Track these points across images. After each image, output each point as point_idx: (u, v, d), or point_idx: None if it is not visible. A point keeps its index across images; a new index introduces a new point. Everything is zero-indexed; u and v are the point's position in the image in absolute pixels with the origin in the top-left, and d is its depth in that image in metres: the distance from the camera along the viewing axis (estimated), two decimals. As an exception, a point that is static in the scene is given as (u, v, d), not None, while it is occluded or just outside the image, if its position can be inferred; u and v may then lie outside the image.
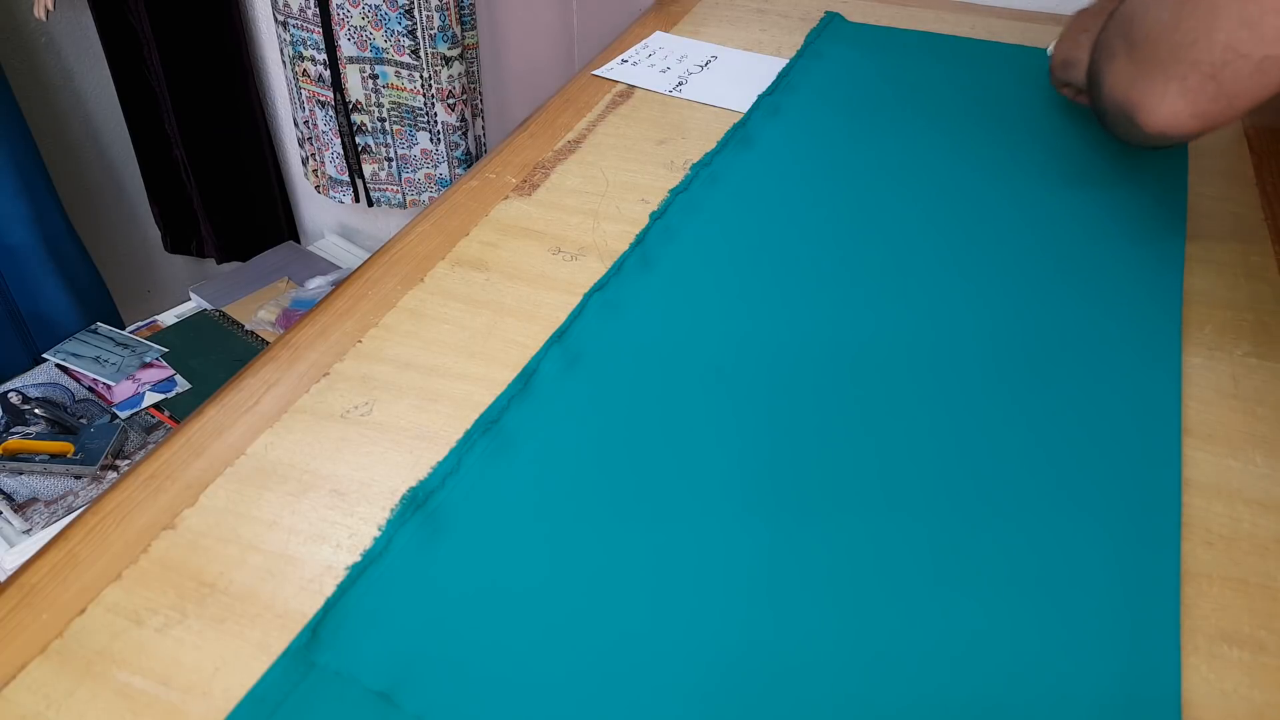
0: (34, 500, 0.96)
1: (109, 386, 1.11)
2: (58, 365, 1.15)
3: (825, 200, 0.64)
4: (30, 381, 1.12)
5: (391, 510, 0.41)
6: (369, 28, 1.10)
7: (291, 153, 1.50)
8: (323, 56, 1.14)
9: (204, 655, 0.35)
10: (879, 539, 0.41)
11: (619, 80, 0.82)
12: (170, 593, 0.38)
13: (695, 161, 0.69)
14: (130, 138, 1.40)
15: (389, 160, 1.22)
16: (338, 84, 1.15)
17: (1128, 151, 0.71)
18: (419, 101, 1.15)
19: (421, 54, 1.11)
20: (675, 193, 0.64)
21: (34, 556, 0.39)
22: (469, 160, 1.22)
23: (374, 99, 1.16)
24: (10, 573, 0.39)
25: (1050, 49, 0.79)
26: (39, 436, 1.02)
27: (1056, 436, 0.46)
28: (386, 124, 1.19)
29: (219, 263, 1.51)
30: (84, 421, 1.06)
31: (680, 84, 0.81)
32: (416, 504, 0.41)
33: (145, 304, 1.55)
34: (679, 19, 0.95)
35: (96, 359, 1.15)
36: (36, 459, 0.99)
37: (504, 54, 1.22)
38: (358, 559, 0.39)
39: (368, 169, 1.23)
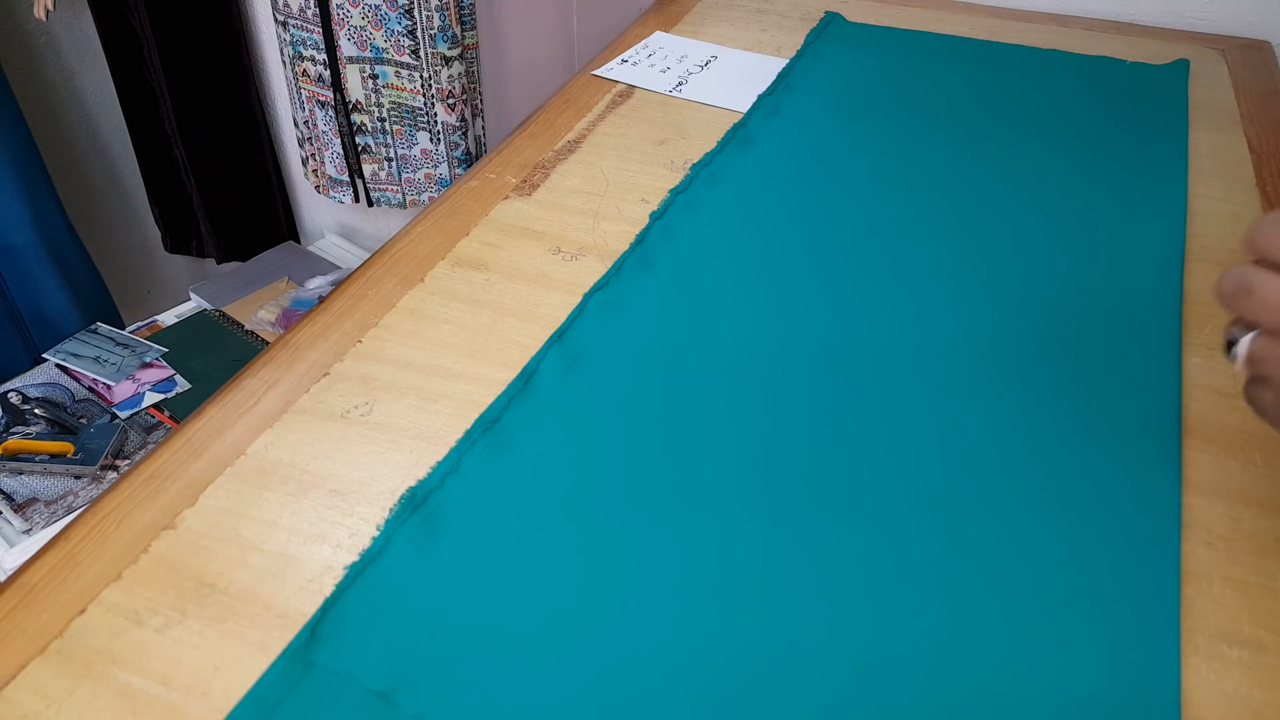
0: (34, 500, 0.96)
1: (109, 386, 1.11)
2: (58, 365, 1.15)
3: (825, 200, 0.64)
4: (30, 381, 1.12)
5: (390, 510, 0.41)
6: (369, 28, 1.10)
7: (291, 153, 1.50)
8: (323, 56, 1.14)
9: (204, 655, 0.35)
10: (878, 539, 0.41)
11: (619, 80, 0.81)
12: (170, 593, 0.37)
13: (695, 161, 0.68)
14: (130, 138, 1.40)
15: (389, 160, 1.22)
16: (338, 84, 1.15)
17: (1127, 152, 0.70)
18: (419, 101, 1.15)
19: (421, 54, 1.11)
20: (675, 193, 0.64)
21: (34, 556, 0.39)
22: (469, 160, 1.22)
23: (374, 99, 1.16)
24: (10, 573, 0.39)
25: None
26: (39, 436, 1.02)
27: (1056, 437, 0.46)
28: (386, 124, 1.19)
29: (219, 263, 1.51)
30: (84, 421, 1.06)
31: (680, 84, 0.81)
32: (415, 504, 0.41)
33: (145, 304, 1.55)
34: (679, 19, 0.95)
35: (96, 359, 1.15)
36: (36, 459, 0.99)
37: (504, 54, 1.22)
38: (357, 559, 0.39)
39: (368, 169, 1.23)
